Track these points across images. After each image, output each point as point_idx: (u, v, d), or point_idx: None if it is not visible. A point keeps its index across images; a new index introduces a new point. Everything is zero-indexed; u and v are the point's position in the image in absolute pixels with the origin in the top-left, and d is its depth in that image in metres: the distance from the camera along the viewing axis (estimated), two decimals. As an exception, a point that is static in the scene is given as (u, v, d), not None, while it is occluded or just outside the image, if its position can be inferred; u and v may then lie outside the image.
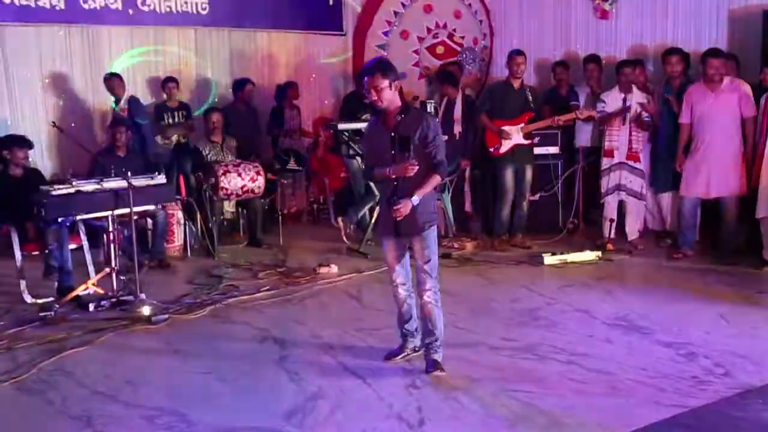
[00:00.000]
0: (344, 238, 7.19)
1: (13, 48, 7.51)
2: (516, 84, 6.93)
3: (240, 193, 7.00)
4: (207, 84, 8.79)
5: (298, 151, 8.65)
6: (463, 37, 9.76)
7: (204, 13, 8.54)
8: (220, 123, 7.42)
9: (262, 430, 3.38)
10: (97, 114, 8.08)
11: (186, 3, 8.41)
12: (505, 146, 6.90)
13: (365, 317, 5.03)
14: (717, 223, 6.37)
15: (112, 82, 7.67)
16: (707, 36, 7.54)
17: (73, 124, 7.79)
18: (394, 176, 3.87)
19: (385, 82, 3.80)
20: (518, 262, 6.53)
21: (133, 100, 7.68)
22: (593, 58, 7.79)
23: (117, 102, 7.69)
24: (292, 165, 8.46)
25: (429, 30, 9.66)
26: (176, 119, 8.11)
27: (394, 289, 4.11)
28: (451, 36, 9.73)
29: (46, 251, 5.75)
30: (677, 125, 6.41)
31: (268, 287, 5.82)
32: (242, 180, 6.94)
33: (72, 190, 5.17)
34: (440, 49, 9.69)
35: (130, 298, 5.30)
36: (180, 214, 7.06)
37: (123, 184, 5.24)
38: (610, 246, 6.73)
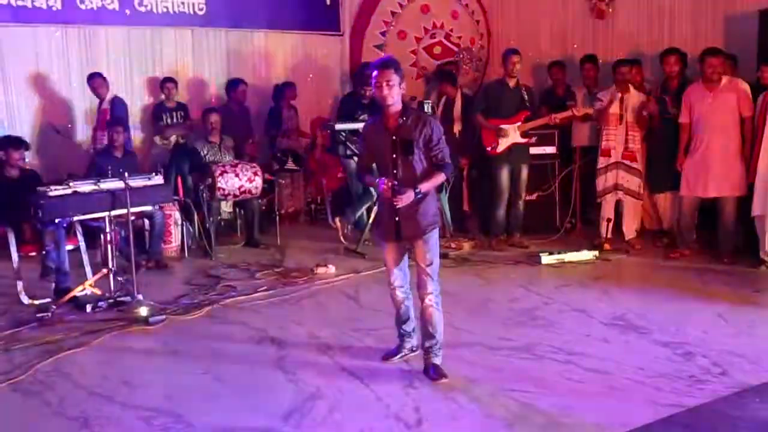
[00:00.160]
0: (342, 238, 7.18)
1: (9, 48, 7.48)
2: (511, 83, 6.94)
3: (237, 193, 6.99)
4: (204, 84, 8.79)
5: (295, 151, 8.64)
6: (460, 38, 9.77)
7: (201, 13, 8.53)
8: (218, 123, 7.39)
9: (259, 431, 3.38)
10: (94, 115, 8.04)
11: (183, 3, 8.39)
12: (502, 145, 6.90)
13: (363, 317, 5.02)
14: (715, 223, 6.37)
15: (95, 81, 7.59)
16: (704, 36, 7.54)
17: (69, 125, 7.77)
18: (390, 199, 3.78)
19: (397, 79, 3.79)
20: (516, 262, 6.53)
21: (117, 101, 7.59)
22: (590, 58, 7.81)
23: (100, 102, 7.62)
24: (289, 165, 8.46)
25: (426, 30, 9.66)
26: (174, 119, 8.10)
27: (392, 291, 4.09)
28: (448, 36, 9.73)
29: (43, 252, 5.75)
30: (673, 125, 6.41)
31: (265, 287, 5.82)
32: (240, 180, 6.94)
33: (69, 191, 5.15)
34: (437, 50, 9.70)
35: (128, 298, 5.29)
36: (177, 215, 7.05)
37: (120, 184, 5.22)
38: (607, 245, 6.74)
